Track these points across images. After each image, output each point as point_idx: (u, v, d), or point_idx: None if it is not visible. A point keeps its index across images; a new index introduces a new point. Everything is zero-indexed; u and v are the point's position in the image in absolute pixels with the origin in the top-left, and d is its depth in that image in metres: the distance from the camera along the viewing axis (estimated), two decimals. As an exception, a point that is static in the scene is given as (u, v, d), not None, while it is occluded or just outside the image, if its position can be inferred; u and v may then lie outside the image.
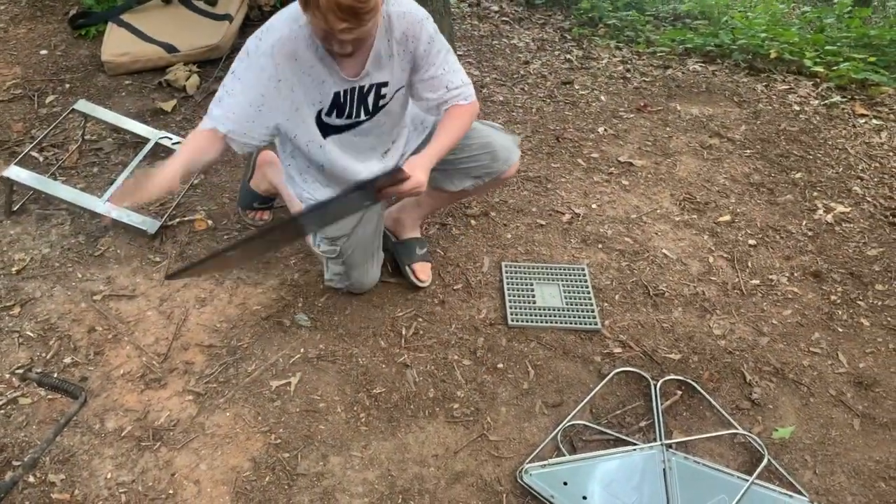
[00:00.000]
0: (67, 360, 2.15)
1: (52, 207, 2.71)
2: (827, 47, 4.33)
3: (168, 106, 3.31)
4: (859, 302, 2.50)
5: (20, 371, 2.10)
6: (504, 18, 4.89)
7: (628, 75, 4.07)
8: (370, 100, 1.96)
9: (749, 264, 2.65)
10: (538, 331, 2.32)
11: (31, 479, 1.83)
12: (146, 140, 2.95)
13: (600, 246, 2.69)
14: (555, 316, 2.36)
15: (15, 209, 2.68)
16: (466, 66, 3.94)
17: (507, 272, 2.53)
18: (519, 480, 1.86)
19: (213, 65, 3.60)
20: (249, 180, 2.59)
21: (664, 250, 2.69)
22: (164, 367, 2.15)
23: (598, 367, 2.21)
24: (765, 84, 4.01)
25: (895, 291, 2.54)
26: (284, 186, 2.47)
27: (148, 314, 2.32)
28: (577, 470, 1.88)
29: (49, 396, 2.04)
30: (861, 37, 4.52)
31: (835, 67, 4.07)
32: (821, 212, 2.94)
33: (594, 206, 2.90)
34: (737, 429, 2.02)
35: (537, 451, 1.95)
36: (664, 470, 1.88)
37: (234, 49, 3.69)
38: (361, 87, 1.91)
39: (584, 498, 1.82)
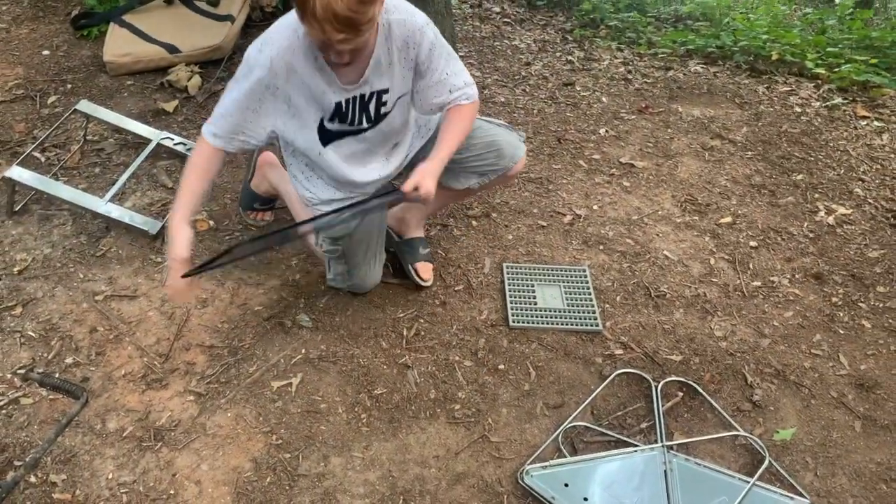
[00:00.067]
0: (69, 360, 2.15)
1: (54, 208, 2.71)
2: (828, 49, 4.33)
3: (170, 106, 3.31)
4: (860, 304, 2.50)
5: (22, 371, 2.10)
6: (505, 20, 4.89)
7: (630, 77, 4.08)
8: (371, 108, 1.97)
9: (750, 266, 2.65)
10: (539, 332, 2.32)
11: (33, 479, 1.84)
12: (148, 140, 2.96)
13: (601, 247, 2.69)
14: (556, 317, 2.36)
15: (17, 209, 2.68)
16: (468, 67, 3.92)
17: (508, 273, 2.53)
18: (520, 482, 1.86)
19: (214, 65, 3.60)
20: (250, 181, 2.60)
21: (665, 252, 2.69)
22: (166, 368, 2.15)
23: (600, 368, 2.21)
24: (766, 86, 4.01)
25: (896, 293, 2.55)
26: (285, 187, 2.48)
27: (149, 314, 2.32)
28: (578, 471, 1.88)
29: (50, 396, 2.04)
30: (863, 38, 4.52)
31: (836, 69, 4.07)
32: (822, 213, 2.94)
33: (595, 207, 2.90)
34: (738, 430, 2.02)
35: (538, 452, 1.95)
36: (665, 471, 1.88)
37: (236, 50, 3.69)
38: (363, 96, 1.92)
39: (585, 499, 1.82)
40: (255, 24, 3.97)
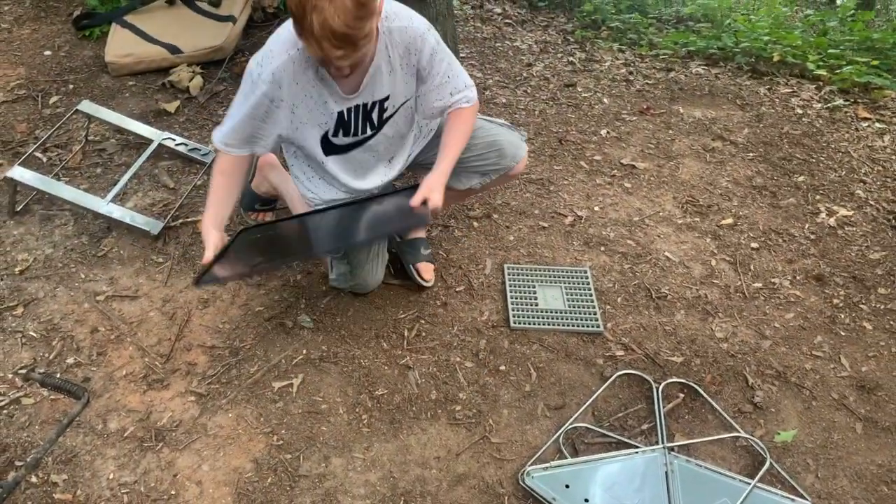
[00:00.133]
0: (70, 360, 2.15)
1: (56, 208, 2.71)
2: (830, 51, 4.33)
3: (171, 107, 3.32)
4: (862, 306, 2.50)
5: (23, 371, 2.10)
6: (507, 21, 4.90)
7: (631, 78, 4.08)
8: (374, 115, 1.98)
9: (751, 267, 2.65)
10: (540, 333, 2.32)
11: (34, 479, 1.84)
12: (149, 141, 2.96)
13: (603, 248, 2.69)
14: (557, 318, 2.36)
15: (18, 209, 2.68)
16: (469, 68, 3.96)
17: (509, 274, 2.53)
18: (521, 483, 1.86)
19: (216, 66, 3.60)
20: (251, 182, 2.60)
21: (666, 253, 2.69)
22: (167, 368, 2.15)
23: (601, 369, 2.21)
24: (767, 87, 4.01)
25: (898, 295, 2.55)
26: (286, 188, 2.48)
27: (150, 315, 2.32)
28: (579, 472, 1.88)
29: (52, 397, 2.04)
30: (864, 40, 4.52)
31: (838, 71, 4.07)
32: (823, 215, 2.94)
33: (597, 208, 2.90)
34: (739, 432, 2.02)
35: (539, 453, 1.95)
36: (666, 473, 1.88)
37: (238, 50, 3.70)
38: (365, 105, 1.93)
39: (586, 500, 1.82)
40: (257, 24, 3.98)
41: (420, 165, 2.34)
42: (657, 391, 2.11)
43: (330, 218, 2.12)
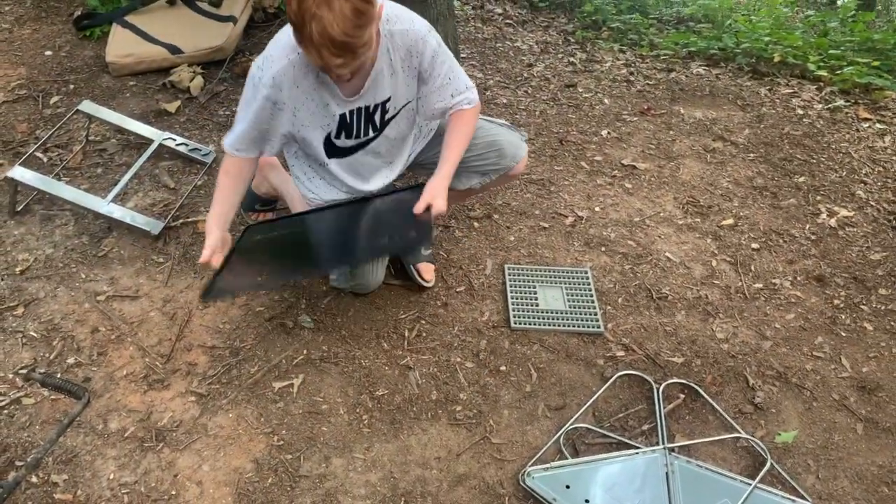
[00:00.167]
0: (71, 360, 2.15)
1: (56, 208, 2.71)
2: (830, 51, 4.33)
3: (172, 107, 3.32)
4: (862, 306, 2.50)
5: (24, 371, 2.10)
6: (507, 21, 4.90)
7: (632, 78, 4.08)
8: (376, 117, 1.99)
9: (752, 268, 2.65)
10: (541, 333, 2.32)
11: (34, 479, 1.84)
12: (150, 141, 2.96)
13: (603, 249, 2.69)
14: (558, 319, 2.36)
15: (19, 209, 2.68)
16: (470, 68, 3.96)
17: (509, 275, 2.53)
18: (521, 483, 1.86)
19: (217, 66, 3.60)
20: (251, 183, 2.60)
21: (667, 254, 2.69)
22: (167, 368, 2.15)
23: (601, 370, 2.21)
24: (768, 88, 4.01)
25: (899, 296, 2.55)
26: (286, 188, 2.48)
27: (151, 315, 2.32)
28: (580, 473, 1.88)
29: (52, 397, 2.04)
30: (865, 41, 4.52)
31: (838, 71, 4.07)
32: (824, 216, 2.94)
33: (597, 208, 2.90)
34: (739, 433, 2.02)
35: (540, 454, 1.95)
36: (666, 474, 1.88)
37: (238, 50, 3.70)
38: (367, 107, 1.94)
39: (587, 501, 1.82)
40: (258, 24, 3.98)
41: (420, 165, 2.34)
42: (658, 392, 2.11)
43: (333, 225, 2.12)
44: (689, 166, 3.22)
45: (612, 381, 2.16)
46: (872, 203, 3.03)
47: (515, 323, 2.34)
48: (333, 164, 2.08)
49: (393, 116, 2.02)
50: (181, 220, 2.69)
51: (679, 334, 2.35)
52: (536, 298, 2.43)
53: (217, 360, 2.18)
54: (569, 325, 2.34)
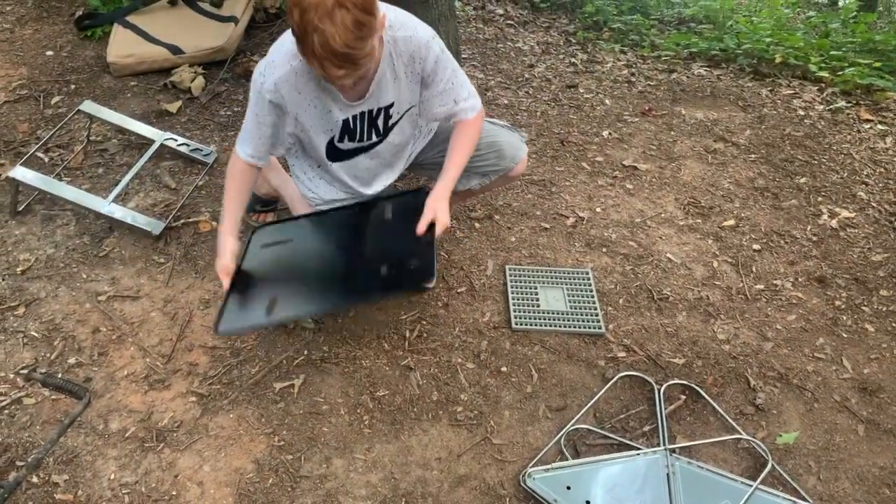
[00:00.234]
0: (72, 360, 2.15)
1: (57, 208, 2.71)
2: (832, 52, 4.33)
3: (173, 107, 3.32)
4: (864, 307, 2.49)
5: (25, 371, 2.10)
6: (509, 22, 4.89)
7: (633, 79, 4.08)
8: (380, 122, 2.00)
9: (753, 269, 2.64)
10: (542, 334, 2.32)
11: (35, 479, 1.84)
12: (151, 141, 2.96)
13: (604, 250, 2.69)
14: (559, 319, 2.36)
15: (20, 209, 2.68)
16: (471, 69, 3.96)
17: (511, 275, 2.52)
18: (522, 484, 1.86)
19: (218, 66, 3.60)
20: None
21: (668, 254, 2.68)
22: (168, 369, 2.15)
23: (602, 371, 2.21)
24: (770, 89, 4.00)
25: (900, 297, 2.54)
26: (286, 189, 2.48)
27: (152, 315, 2.32)
28: (581, 474, 1.88)
29: (53, 397, 2.04)
30: (866, 42, 4.52)
31: (840, 72, 4.07)
32: (825, 217, 2.93)
33: (598, 209, 2.90)
34: (741, 434, 2.02)
35: (540, 454, 1.95)
36: (667, 475, 1.87)
37: (240, 51, 3.70)
38: (370, 111, 1.94)
39: (588, 502, 1.82)
40: (259, 25, 3.98)
41: (420, 166, 2.34)
42: (659, 393, 2.11)
43: (334, 245, 2.12)
44: (690, 167, 3.22)
45: (613, 381, 2.16)
46: (874, 204, 3.02)
47: (516, 324, 2.34)
48: (335, 168, 2.09)
49: (397, 121, 2.02)
50: (182, 221, 2.69)
51: (680, 335, 2.35)
52: (537, 299, 2.43)
53: (218, 361, 2.18)
54: (570, 326, 2.34)
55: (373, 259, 2.05)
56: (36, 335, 2.23)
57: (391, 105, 1.96)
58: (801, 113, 3.73)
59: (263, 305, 1.94)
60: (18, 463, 1.87)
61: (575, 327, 2.34)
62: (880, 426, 2.09)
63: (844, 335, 2.38)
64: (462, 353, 2.25)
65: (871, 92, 3.94)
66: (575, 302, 2.43)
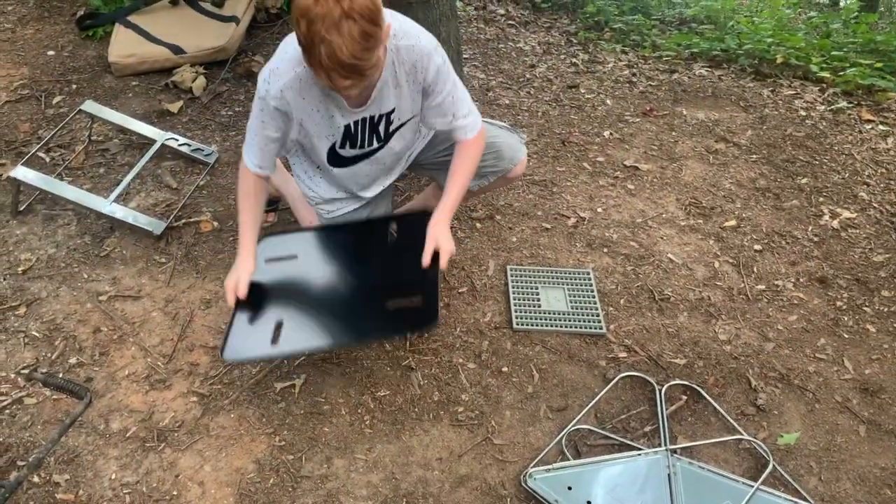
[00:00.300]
0: (73, 360, 2.15)
1: (59, 208, 2.71)
2: (833, 53, 4.32)
3: (174, 107, 3.32)
4: (865, 308, 2.49)
5: (26, 371, 2.11)
6: (510, 22, 4.89)
7: (634, 79, 4.07)
8: (381, 128, 2.00)
9: (755, 269, 2.64)
10: (543, 334, 2.32)
11: (36, 479, 1.84)
12: (152, 141, 2.96)
13: (605, 250, 2.69)
14: (560, 320, 2.36)
15: (21, 209, 2.69)
16: (473, 69, 3.96)
17: (512, 276, 2.52)
18: (523, 484, 1.86)
19: (219, 66, 3.61)
20: None
21: (670, 255, 2.68)
22: (169, 369, 2.15)
23: (603, 371, 2.21)
24: (771, 89, 4.00)
25: (901, 298, 2.54)
26: (288, 189, 2.48)
27: (153, 315, 2.32)
28: (582, 474, 1.88)
29: (54, 397, 2.04)
30: (867, 42, 4.51)
31: (841, 73, 4.07)
32: (827, 217, 2.93)
33: (599, 210, 2.90)
34: (742, 434, 2.02)
35: (542, 455, 1.95)
36: (669, 475, 1.87)
37: (241, 51, 3.70)
38: (372, 118, 1.95)
39: (589, 502, 1.81)
40: (260, 25, 3.98)
41: (420, 165, 2.34)
42: (660, 393, 2.11)
43: (336, 273, 2.13)
44: (691, 167, 3.22)
45: (614, 382, 2.16)
46: (875, 205, 3.02)
47: (517, 324, 2.33)
48: (336, 172, 2.10)
49: (398, 127, 2.03)
50: (183, 221, 2.69)
51: (681, 336, 2.35)
52: (538, 299, 2.43)
53: (219, 361, 2.18)
54: (571, 327, 2.34)
55: (377, 290, 2.05)
56: (37, 335, 2.23)
57: (392, 111, 1.96)
58: (803, 113, 3.72)
59: (268, 332, 1.94)
60: (20, 463, 1.87)
61: (576, 327, 2.34)
62: (881, 427, 2.08)
63: (846, 336, 2.38)
64: (463, 353, 2.24)
65: (872, 92, 3.94)
66: (576, 302, 2.43)
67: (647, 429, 2.04)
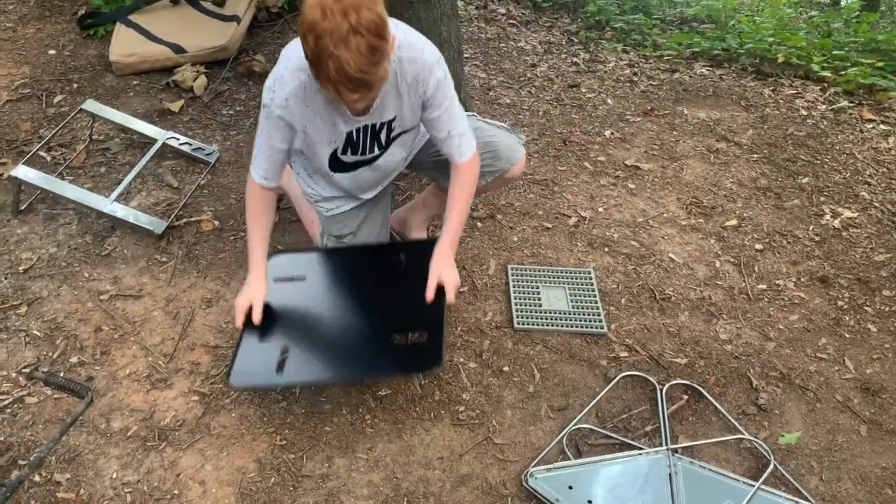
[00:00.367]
0: (74, 359, 2.16)
1: (60, 207, 2.71)
2: (834, 52, 4.32)
3: (175, 106, 3.32)
4: (866, 307, 2.49)
5: (27, 370, 2.11)
6: (511, 21, 4.89)
7: (635, 79, 4.07)
8: (382, 136, 2.01)
9: (756, 269, 2.64)
10: (544, 334, 2.32)
11: (37, 478, 1.84)
12: (153, 140, 2.96)
13: (606, 249, 2.68)
14: (561, 319, 2.36)
15: (22, 208, 2.69)
16: (474, 68, 3.96)
17: (513, 275, 2.52)
18: (524, 484, 1.86)
19: (220, 66, 3.61)
20: None
21: (671, 254, 2.68)
22: (170, 368, 2.15)
23: (604, 370, 2.21)
24: (772, 88, 4.00)
25: (903, 297, 2.54)
26: (289, 187, 2.48)
27: (154, 314, 2.32)
28: (583, 474, 1.88)
29: (55, 396, 2.05)
30: (869, 42, 4.51)
31: (842, 72, 4.06)
32: (828, 217, 2.93)
33: (600, 209, 2.90)
34: (743, 434, 2.02)
35: (542, 454, 1.94)
36: (670, 475, 1.87)
37: (242, 50, 3.70)
38: (374, 125, 1.95)
39: (590, 502, 1.81)
40: (261, 24, 3.98)
41: (419, 165, 2.34)
42: (661, 393, 2.11)
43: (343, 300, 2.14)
44: (692, 167, 3.22)
45: (615, 381, 2.16)
46: (876, 204, 3.02)
47: (518, 323, 2.33)
48: (337, 177, 2.11)
49: (399, 134, 2.03)
50: (184, 220, 2.69)
51: (682, 335, 2.35)
52: (539, 299, 2.43)
53: (220, 360, 2.18)
54: (572, 326, 2.34)
55: (384, 324, 2.05)
56: (38, 334, 2.23)
57: (393, 119, 1.97)
58: (804, 113, 3.72)
59: (274, 358, 1.94)
60: (21, 462, 1.87)
61: (577, 327, 2.34)
62: (883, 426, 2.08)
63: (847, 335, 2.38)
64: (464, 352, 2.24)
65: (873, 92, 3.93)
66: (577, 302, 2.42)
67: (648, 428, 2.04)
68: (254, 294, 1.99)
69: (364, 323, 2.08)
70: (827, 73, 4.06)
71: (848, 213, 2.95)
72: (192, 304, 2.35)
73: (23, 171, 2.59)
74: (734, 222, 2.87)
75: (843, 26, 5.23)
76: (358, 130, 1.95)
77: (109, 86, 3.48)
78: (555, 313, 2.38)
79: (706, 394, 2.13)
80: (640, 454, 1.93)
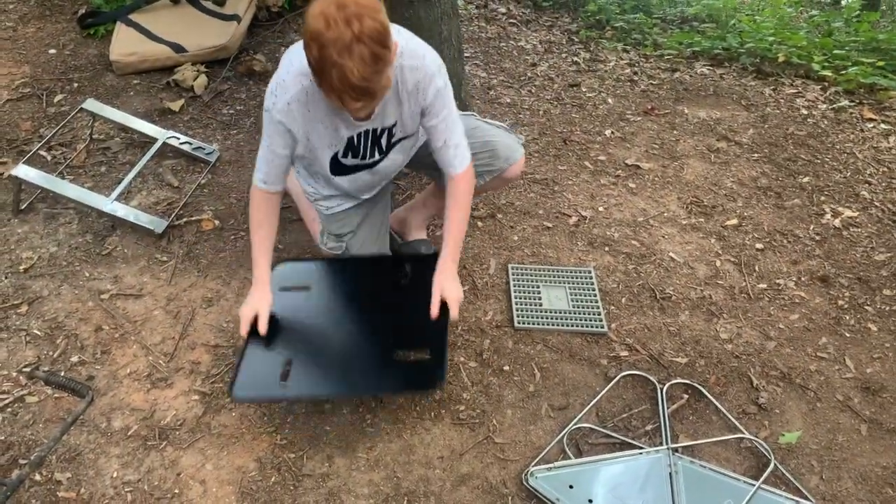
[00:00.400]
0: (74, 358, 2.16)
1: (60, 206, 2.71)
2: (835, 51, 4.32)
3: (176, 106, 3.32)
4: (867, 307, 2.49)
5: (27, 369, 2.11)
6: (511, 20, 4.89)
7: (635, 78, 4.07)
8: (383, 140, 2.01)
9: (756, 268, 2.64)
10: (544, 333, 2.32)
11: (38, 477, 1.84)
12: (154, 140, 2.96)
13: (607, 249, 2.68)
14: (561, 318, 2.36)
15: (23, 208, 2.69)
16: (474, 67, 3.96)
17: (513, 274, 2.52)
18: (524, 483, 1.86)
19: (220, 65, 3.61)
20: None
21: (671, 254, 2.68)
22: (171, 367, 2.15)
23: (605, 370, 2.21)
24: (773, 88, 4.00)
25: (903, 297, 2.54)
26: (290, 185, 2.48)
27: (155, 313, 2.32)
28: (583, 473, 1.88)
29: (56, 395, 2.05)
30: (869, 41, 4.51)
31: (843, 72, 4.06)
32: (828, 216, 2.93)
33: (601, 208, 2.90)
34: (743, 433, 2.02)
35: (543, 453, 1.94)
36: (670, 474, 1.87)
37: (242, 50, 3.70)
38: (374, 130, 1.96)
39: (590, 501, 1.81)
40: (262, 23, 3.98)
41: (418, 162, 2.34)
42: (661, 392, 2.11)
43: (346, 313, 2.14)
44: (692, 166, 3.22)
45: (615, 381, 2.16)
46: (877, 203, 3.02)
47: (519, 322, 2.33)
48: (337, 180, 2.11)
49: (399, 140, 2.04)
50: (185, 219, 2.69)
51: (683, 334, 2.35)
52: (540, 298, 2.43)
53: (220, 359, 2.18)
54: (572, 325, 2.34)
55: (387, 339, 2.05)
56: (38, 333, 2.23)
57: (394, 125, 1.98)
58: (804, 112, 3.72)
59: (277, 370, 1.93)
60: (21, 461, 1.87)
61: (577, 326, 2.33)
62: (883, 426, 2.08)
63: (847, 335, 2.38)
64: (465, 351, 2.24)
65: (874, 91, 3.93)
66: (577, 301, 2.42)
67: (649, 427, 2.04)
68: (259, 304, 1.98)
69: (367, 337, 2.08)
70: (827, 73, 4.06)
71: (848, 213, 2.95)
72: (193, 304, 2.35)
73: (23, 171, 2.59)
74: (735, 222, 2.87)
75: (844, 25, 5.23)
76: (359, 135, 1.95)
77: (110, 85, 3.48)
78: (555, 313, 2.37)
79: (706, 393, 2.13)
80: (641, 453, 1.93)
